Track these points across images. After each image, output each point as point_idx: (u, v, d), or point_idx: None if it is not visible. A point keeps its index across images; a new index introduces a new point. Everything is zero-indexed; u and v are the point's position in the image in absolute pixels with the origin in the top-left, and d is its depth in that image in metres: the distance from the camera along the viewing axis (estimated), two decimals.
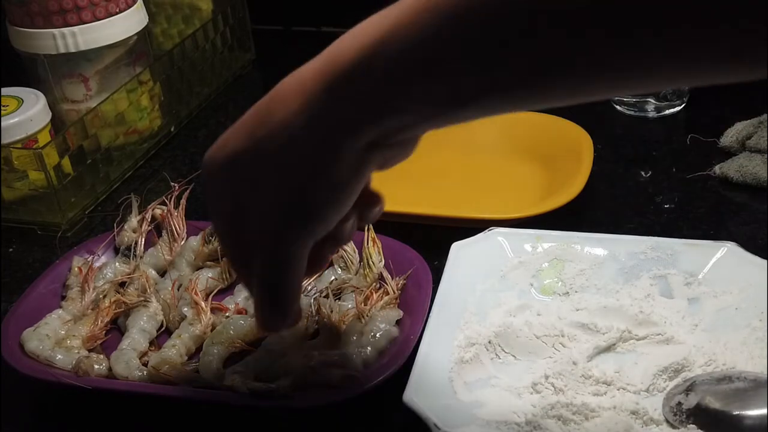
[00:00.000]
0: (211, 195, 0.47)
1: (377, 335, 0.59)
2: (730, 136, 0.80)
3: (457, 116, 0.40)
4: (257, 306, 0.50)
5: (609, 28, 0.34)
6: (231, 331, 0.61)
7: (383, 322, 0.60)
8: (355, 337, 0.59)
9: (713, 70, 0.34)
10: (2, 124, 0.78)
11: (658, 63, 0.35)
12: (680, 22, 0.32)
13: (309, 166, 0.42)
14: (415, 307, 0.61)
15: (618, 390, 0.55)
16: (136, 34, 0.90)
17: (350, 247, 0.67)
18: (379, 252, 0.66)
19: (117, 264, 0.69)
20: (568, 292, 0.63)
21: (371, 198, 0.49)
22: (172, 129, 0.96)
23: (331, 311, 0.61)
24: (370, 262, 0.65)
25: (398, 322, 0.61)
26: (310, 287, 0.65)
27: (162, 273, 0.70)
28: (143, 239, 0.71)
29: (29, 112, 0.80)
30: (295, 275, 0.47)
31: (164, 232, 0.72)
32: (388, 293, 0.62)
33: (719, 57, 0.33)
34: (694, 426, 0.51)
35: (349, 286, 0.64)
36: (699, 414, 0.51)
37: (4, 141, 0.78)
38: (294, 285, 0.48)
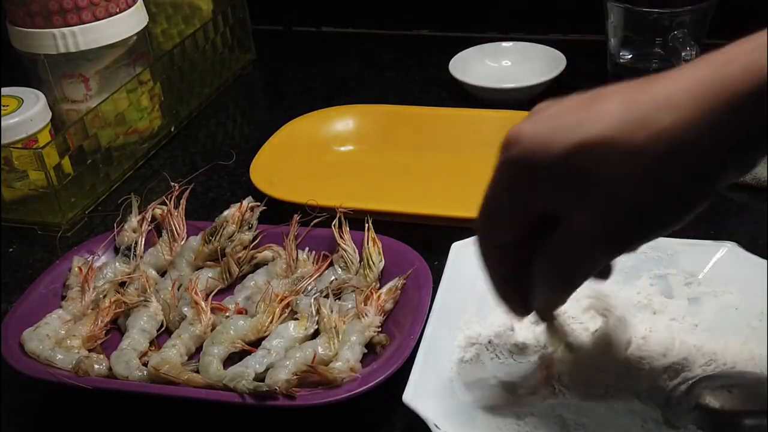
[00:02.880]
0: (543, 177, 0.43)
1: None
2: None
3: None
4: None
5: None
6: (231, 331, 0.61)
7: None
8: (354, 337, 0.59)
9: None
10: (2, 124, 0.78)
11: None
12: None
13: (681, 180, 0.39)
14: (415, 307, 0.61)
15: (618, 390, 0.55)
16: (136, 34, 0.90)
17: (350, 247, 0.67)
18: (379, 252, 0.66)
19: (117, 264, 0.69)
20: None
21: None
22: (172, 129, 0.96)
23: (331, 311, 0.61)
24: (370, 262, 0.65)
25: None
26: (310, 287, 0.65)
27: (162, 273, 0.70)
28: (143, 239, 0.71)
29: (29, 112, 0.80)
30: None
31: (164, 232, 0.72)
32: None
33: None
34: (694, 426, 0.51)
35: (349, 286, 0.64)
36: (699, 414, 0.51)
37: (4, 141, 0.78)
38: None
